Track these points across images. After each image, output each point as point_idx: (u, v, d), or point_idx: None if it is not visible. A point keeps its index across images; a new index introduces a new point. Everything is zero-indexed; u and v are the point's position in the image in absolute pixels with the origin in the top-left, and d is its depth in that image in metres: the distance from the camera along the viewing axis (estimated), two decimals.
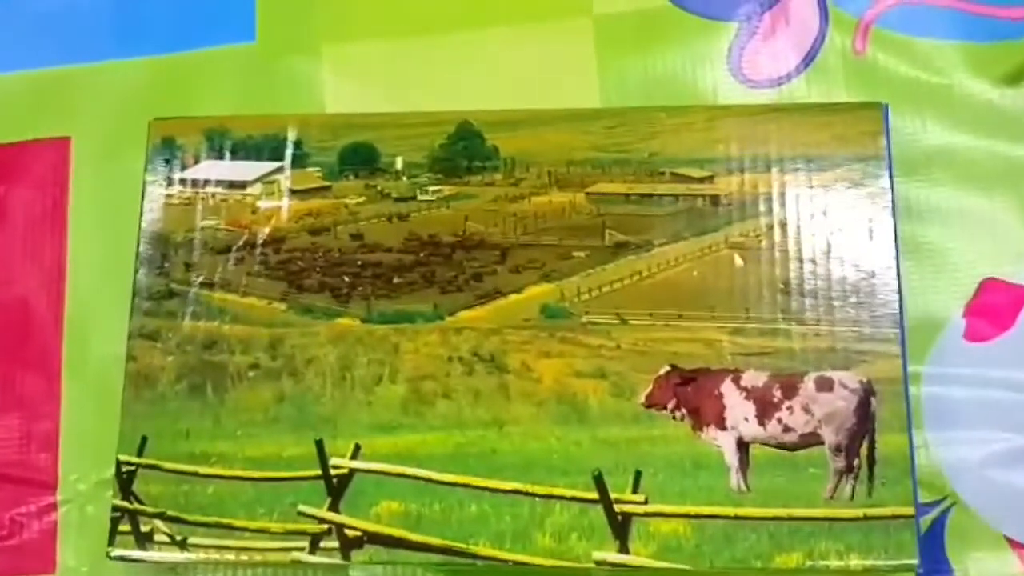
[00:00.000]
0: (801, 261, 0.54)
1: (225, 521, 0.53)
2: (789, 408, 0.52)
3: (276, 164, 0.58)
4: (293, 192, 0.58)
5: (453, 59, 0.63)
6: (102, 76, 0.65)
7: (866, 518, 0.51)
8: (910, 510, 0.50)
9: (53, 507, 0.59)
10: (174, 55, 0.65)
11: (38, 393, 0.61)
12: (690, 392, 0.53)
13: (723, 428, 0.52)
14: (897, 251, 0.54)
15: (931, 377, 0.57)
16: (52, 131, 0.64)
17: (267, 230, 0.57)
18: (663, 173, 0.56)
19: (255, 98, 0.63)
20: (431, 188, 0.57)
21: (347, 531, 0.52)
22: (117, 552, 0.53)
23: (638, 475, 0.52)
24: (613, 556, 0.51)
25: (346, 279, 0.56)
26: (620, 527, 0.51)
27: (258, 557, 0.53)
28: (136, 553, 0.53)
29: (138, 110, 0.62)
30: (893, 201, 0.55)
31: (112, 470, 0.56)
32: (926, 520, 0.55)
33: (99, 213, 0.63)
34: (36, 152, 0.64)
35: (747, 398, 0.53)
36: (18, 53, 0.66)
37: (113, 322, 0.59)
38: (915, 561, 0.50)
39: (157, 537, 0.53)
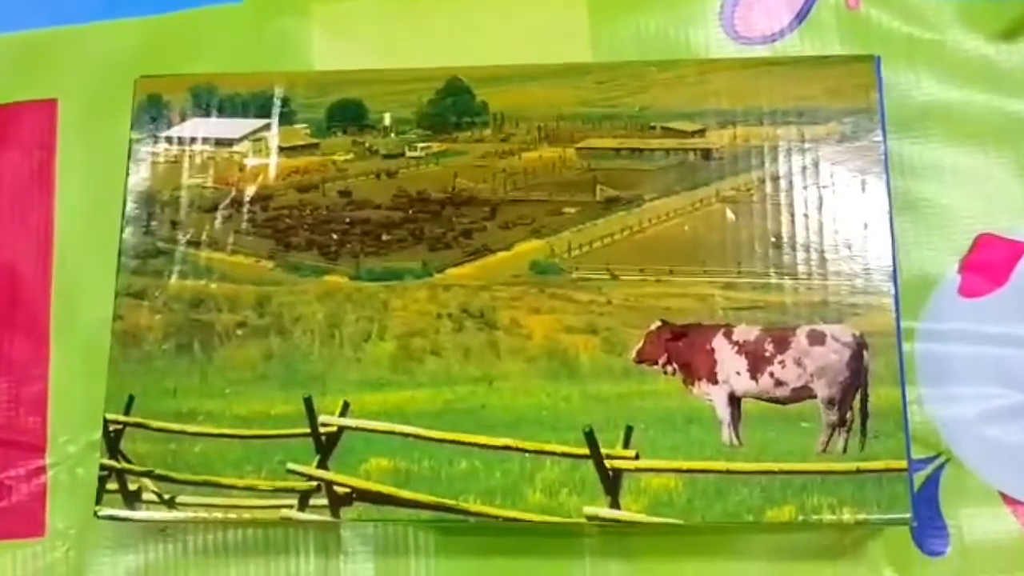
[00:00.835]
0: (793, 215, 0.54)
1: (213, 479, 0.52)
2: (781, 362, 0.52)
3: (263, 121, 0.57)
4: (281, 149, 0.57)
5: (442, 15, 0.62)
6: (89, 37, 0.65)
7: (859, 471, 0.50)
8: (903, 463, 0.50)
9: (42, 470, 0.58)
10: (161, 16, 0.64)
11: (26, 356, 0.60)
12: (681, 347, 0.52)
13: (715, 383, 0.52)
14: (890, 204, 0.53)
15: (926, 333, 0.56)
16: (38, 93, 0.64)
17: (254, 188, 0.57)
18: (654, 127, 0.55)
19: (243, 59, 0.63)
20: (420, 144, 0.57)
21: (336, 488, 0.52)
22: (105, 511, 0.53)
23: (629, 430, 0.51)
24: (604, 511, 0.50)
25: (334, 236, 0.56)
26: (611, 482, 0.51)
27: (247, 515, 0.52)
28: (124, 512, 0.53)
29: (125, 71, 0.61)
30: (886, 154, 0.54)
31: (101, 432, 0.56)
32: (920, 476, 0.54)
33: (87, 175, 0.62)
34: (22, 114, 0.64)
35: (739, 352, 0.52)
36: (3, 15, 0.65)
37: (102, 284, 0.58)
38: (908, 515, 0.49)
39: (145, 496, 0.53)
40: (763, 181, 0.54)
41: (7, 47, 0.65)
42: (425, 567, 0.56)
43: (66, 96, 0.64)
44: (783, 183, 0.54)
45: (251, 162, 0.57)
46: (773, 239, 0.53)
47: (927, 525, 0.54)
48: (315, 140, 0.57)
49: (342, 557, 0.56)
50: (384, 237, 0.55)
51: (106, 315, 0.57)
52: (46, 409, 0.59)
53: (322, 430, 0.53)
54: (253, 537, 0.56)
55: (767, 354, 0.52)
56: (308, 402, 0.53)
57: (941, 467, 0.55)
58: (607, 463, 0.51)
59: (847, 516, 0.50)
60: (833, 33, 0.61)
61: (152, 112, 0.58)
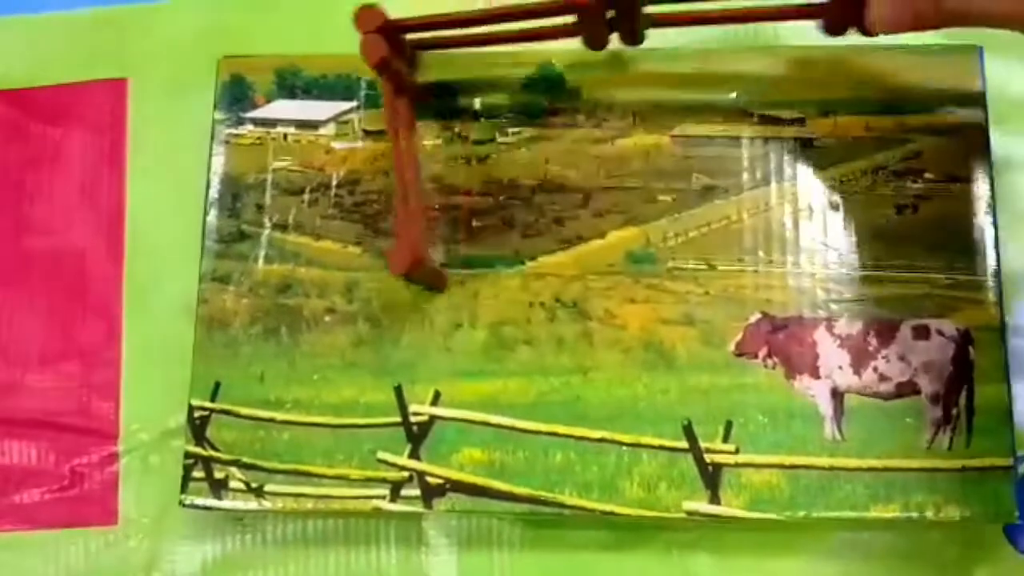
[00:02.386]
0: (895, 206, 0.53)
1: (303, 468, 0.51)
2: (885, 357, 0.51)
3: (350, 104, 0.56)
4: (367, 133, 0.56)
5: None
6: (159, 16, 0.63)
7: (964, 469, 0.49)
8: (1008, 461, 0.49)
9: (115, 457, 0.57)
10: None
11: (98, 340, 0.59)
12: (782, 340, 0.51)
13: (817, 377, 0.51)
14: (994, 197, 0.52)
15: (1019, 329, 0.55)
16: (108, 72, 0.62)
17: (341, 171, 0.55)
18: (751, 115, 0.54)
19: (319, 39, 0.61)
20: (510, 130, 0.55)
21: (429, 479, 0.51)
22: (191, 500, 0.52)
23: (729, 424, 0.50)
24: (704, 507, 0.49)
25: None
26: (711, 477, 0.50)
27: (337, 505, 0.51)
28: (210, 501, 0.52)
29: (197, 51, 0.60)
30: (990, 145, 0.53)
31: (176, 419, 0.55)
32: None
33: (159, 156, 0.61)
34: (92, 94, 0.62)
35: (841, 346, 0.51)
36: None
37: (176, 268, 0.57)
38: (1015, 513, 0.49)
39: (232, 484, 0.52)
40: (865, 172, 0.53)
41: (76, 25, 0.63)
42: (509, 560, 0.54)
43: (137, 75, 0.62)
44: (885, 174, 0.53)
45: (337, 145, 0.56)
46: (875, 230, 0.52)
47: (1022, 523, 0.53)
48: None
49: (424, 549, 0.55)
50: (474, 224, 0.54)
51: (181, 299, 0.56)
52: (119, 395, 0.58)
53: (413, 419, 0.52)
54: (333, 528, 0.55)
55: (870, 348, 0.51)
56: (398, 390, 0.52)
57: None
58: (707, 457, 0.50)
59: (952, 514, 0.49)
60: None
61: (235, 93, 0.57)
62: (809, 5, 0.52)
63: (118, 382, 0.58)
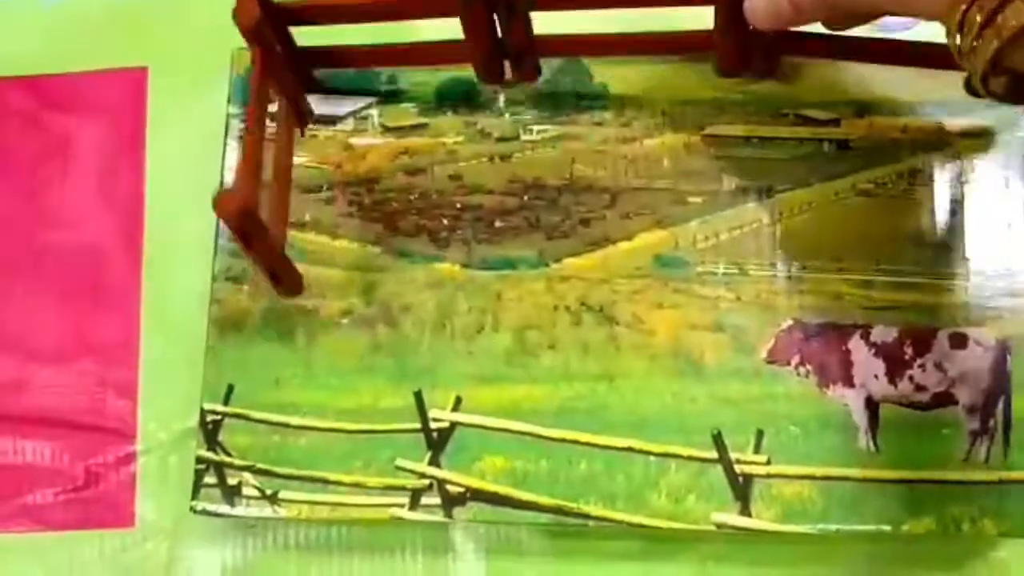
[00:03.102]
0: (933, 211, 0.51)
1: (319, 475, 0.50)
2: (921, 366, 0.49)
3: (369, 99, 0.55)
4: (387, 129, 0.54)
5: None
6: (182, 3, 0.62)
7: (1001, 482, 0.48)
8: None
9: (132, 457, 0.56)
10: None
11: (115, 337, 0.57)
12: (815, 347, 0.50)
13: (851, 386, 0.49)
14: None
15: None
16: (127, 60, 0.61)
17: (359, 169, 0.54)
18: (786, 115, 0.53)
19: (342, 30, 0.60)
20: (535, 127, 0.54)
21: (449, 487, 0.49)
22: (202, 506, 0.51)
23: (760, 434, 0.49)
24: (734, 519, 0.48)
25: (445, 222, 0.53)
26: (741, 488, 0.48)
27: (355, 513, 0.50)
28: (222, 508, 0.50)
29: (218, 40, 0.57)
30: None
31: (197, 419, 0.53)
32: None
33: (180, 147, 0.59)
34: (110, 82, 0.61)
35: (876, 355, 0.49)
36: None
37: (196, 262, 0.55)
38: None
39: (245, 491, 0.50)
40: (902, 175, 0.51)
41: (94, 10, 0.62)
42: (539, 568, 0.53)
43: (157, 64, 0.61)
44: (922, 177, 0.51)
45: (356, 141, 0.54)
46: (912, 236, 0.51)
47: None
48: (424, 120, 0.54)
49: (451, 555, 0.53)
50: (497, 224, 0.53)
51: (202, 294, 0.54)
52: (136, 393, 0.57)
53: (433, 425, 0.50)
54: (358, 534, 0.54)
55: (906, 357, 0.49)
56: (418, 396, 0.51)
57: None
58: (737, 468, 0.48)
59: (989, 528, 0.47)
60: None
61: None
62: (697, 32, 0.50)
63: (135, 380, 0.57)
